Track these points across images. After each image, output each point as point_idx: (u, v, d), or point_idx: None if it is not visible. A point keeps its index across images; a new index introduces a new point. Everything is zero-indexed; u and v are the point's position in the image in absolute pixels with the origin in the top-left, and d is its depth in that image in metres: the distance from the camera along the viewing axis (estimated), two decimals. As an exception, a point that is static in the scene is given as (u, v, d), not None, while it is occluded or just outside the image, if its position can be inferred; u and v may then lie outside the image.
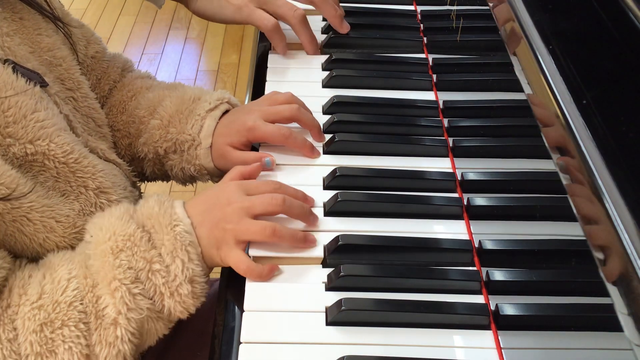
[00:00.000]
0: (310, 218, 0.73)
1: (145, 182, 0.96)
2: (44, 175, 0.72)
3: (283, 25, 0.99)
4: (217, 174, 0.87)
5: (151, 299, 0.67)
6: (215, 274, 0.73)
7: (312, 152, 0.83)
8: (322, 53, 1.02)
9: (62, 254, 0.71)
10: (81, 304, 0.65)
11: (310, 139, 0.84)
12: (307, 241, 0.71)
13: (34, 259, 0.72)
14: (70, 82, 0.83)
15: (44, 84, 0.75)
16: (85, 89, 0.86)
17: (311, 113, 0.87)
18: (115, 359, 0.66)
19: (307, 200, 0.76)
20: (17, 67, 0.72)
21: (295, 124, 0.85)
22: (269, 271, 0.69)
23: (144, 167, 0.93)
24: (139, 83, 0.95)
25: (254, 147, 0.86)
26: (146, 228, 0.68)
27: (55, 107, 0.76)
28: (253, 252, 0.71)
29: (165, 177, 0.93)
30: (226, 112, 0.87)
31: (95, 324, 0.65)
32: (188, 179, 0.90)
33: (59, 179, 0.73)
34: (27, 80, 0.72)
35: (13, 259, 0.71)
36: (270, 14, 0.98)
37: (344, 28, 1.01)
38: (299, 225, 0.73)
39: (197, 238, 0.69)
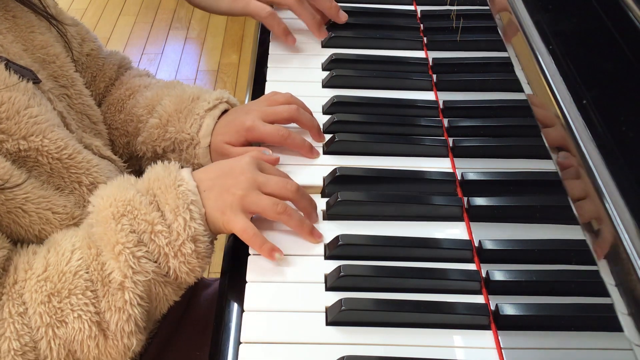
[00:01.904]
0: (313, 214, 0.74)
1: None
2: (37, 171, 0.72)
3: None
4: None
5: (156, 262, 0.67)
6: (215, 273, 0.73)
7: (311, 152, 0.83)
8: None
9: (66, 231, 0.71)
10: (86, 272, 0.66)
11: (309, 139, 0.84)
12: (313, 234, 0.72)
13: None
14: (64, 79, 0.83)
15: (37, 81, 0.75)
16: (79, 86, 0.86)
17: (311, 113, 0.87)
18: (127, 324, 0.66)
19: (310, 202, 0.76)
20: (9, 64, 0.72)
21: (294, 125, 0.85)
22: (271, 247, 0.69)
23: (142, 166, 0.93)
24: (137, 81, 0.95)
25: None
26: (151, 191, 0.69)
27: (48, 104, 0.76)
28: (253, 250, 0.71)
29: None
30: (225, 111, 0.87)
31: (102, 291, 0.66)
32: None
33: (52, 174, 0.73)
34: (19, 77, 0.72)
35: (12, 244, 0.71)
36: (266, 2, 0.99)
37: (322, 34, 1.02)
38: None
39: (203, 200, 0.70)
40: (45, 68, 0.81)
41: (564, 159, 0.54)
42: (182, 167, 0.87)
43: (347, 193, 0.77)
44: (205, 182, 0.71)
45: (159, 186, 0.69)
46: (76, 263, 0.66)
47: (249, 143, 0.85)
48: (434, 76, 0.96)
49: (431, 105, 0.91)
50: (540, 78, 0.59)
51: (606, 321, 0.47)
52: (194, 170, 0.87)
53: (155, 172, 0.71)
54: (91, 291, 0.66)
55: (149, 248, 0.67)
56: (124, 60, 0.99)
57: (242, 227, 0.69)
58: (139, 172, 0.94)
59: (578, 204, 0.51)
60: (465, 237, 0.74)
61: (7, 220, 0.70)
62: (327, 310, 0.66)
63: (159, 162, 0.73)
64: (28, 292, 0.66)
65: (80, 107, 0.85)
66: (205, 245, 0.69)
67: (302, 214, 0.73)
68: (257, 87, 0.96)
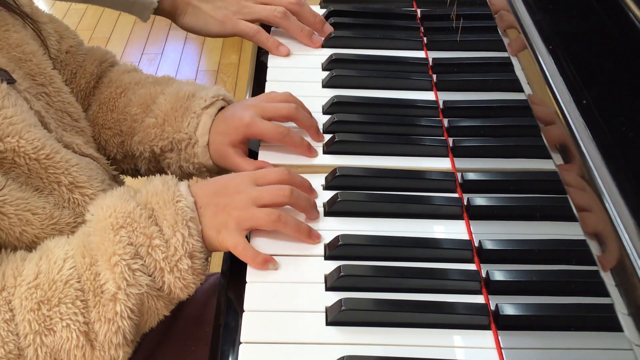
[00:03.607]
0: (313, 212, 0.74)
1: (139, 177, 0.96)
2: (15, 172, 0.72)
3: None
4: (216, 171, 0.87)
5: (151, 276, 0.67)
6: (215, 272, 0.73)
7: (309, 151, 0.83)
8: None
9: (59, 238, 0.71)
10: (78, 282, 0.66)
11: (308, 139, 0.84)
12: (311, 236, 0.72)
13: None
14: (41, 77, 0.82)
15: (11, 81, 0.74)
16: (58, 84, 0.85)
17: (310, 113, 0.87)
18: (115, 336, 0.66)
19: (312, 192, 0.77)
20: None
21: (292, 124, 0.85)
22: (263, 259, 0.69)
23: (138, 164, 0.92)
24: (127, 78, 0.94)
25: (254, 149, 0.86)
26: (150, 205, 0.69)
27: (24, 104, 0.75)
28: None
29: (161, 173, 0.93)
30: (221, 108, 0.87)
31: (93, 301, 0.66)
32: (186, 177, 0.90)
33: (30, 175, 0.73)
34: None
35: None
36: (253, 22, 1.02)
37: (315, 43, 1.03)
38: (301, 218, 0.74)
39: (199, 217, 0.70)
40: (21, 67, 0.80)
41: (563, 159, 0.54)
42: (180, 171, 0.88)
43: (347, 193, 0.77)
44: (202, 198, 0.71)
45: (157, 201, 0.69)
46: (68, 272, 0.66)
47: (248, 140, 0.85)
48: (434, 76, 0.96)
49: (431, 105, 0.91)
50: (540, 78, 0.59)
51: (606, 321, 0.47)
52: (194, 171, 0.88)
53: (153, 186, 0.71)
54: (81, 301, 0.65)
55: (145, 261, 0.67)
56: (106, 55, 0.97)
57: (233, 244, 0.69)
58: (134, 171, 0.94)
59: (578, 205, 0.51)
60: (465, 237, 0.74)
61: None
62: (327, 310, 0.66)
63: (158, 176, 0.73)
64: (17, 298, 0.65)
65: (59, 105, 0.84)
66: (201, 261, 0.69)
67: (302, 215, 0.73)
68: (257, 87, 0.96)
